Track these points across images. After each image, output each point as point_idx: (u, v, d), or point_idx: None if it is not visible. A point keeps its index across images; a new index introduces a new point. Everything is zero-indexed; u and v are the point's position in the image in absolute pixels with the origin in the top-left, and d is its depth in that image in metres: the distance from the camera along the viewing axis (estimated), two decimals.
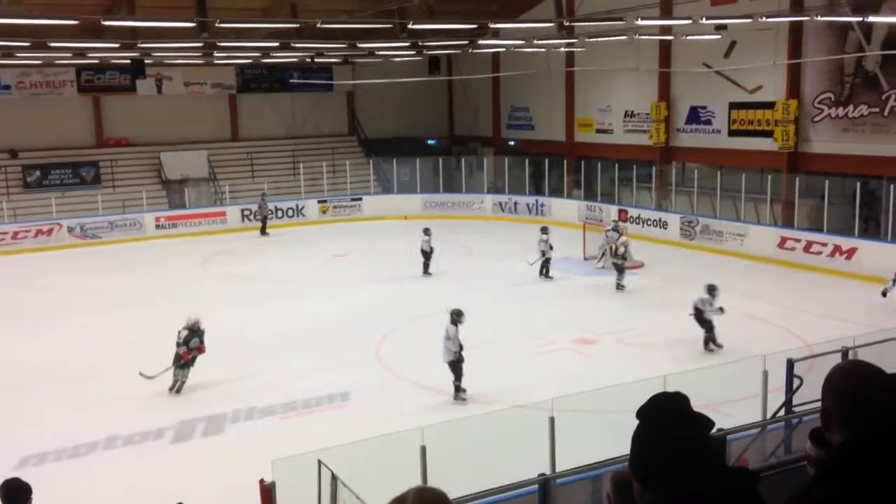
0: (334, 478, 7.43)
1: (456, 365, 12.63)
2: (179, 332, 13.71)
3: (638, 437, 2.01)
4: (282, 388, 13.27)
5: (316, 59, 30.23)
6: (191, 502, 7.07)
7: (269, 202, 30.00)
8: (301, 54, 27.88)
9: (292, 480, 7.58)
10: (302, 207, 30.88)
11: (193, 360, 13.58)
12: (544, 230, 21.00)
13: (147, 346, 15.75)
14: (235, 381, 13.76)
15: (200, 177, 31.60)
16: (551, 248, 20.66)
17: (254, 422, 12.18)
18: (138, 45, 20.83)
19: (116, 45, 21.55)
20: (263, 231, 28.64)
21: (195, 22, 15.70)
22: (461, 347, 12.63)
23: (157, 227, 28.70)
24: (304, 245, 26.42)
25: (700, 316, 14.62)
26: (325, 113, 35.70)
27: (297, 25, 21.86)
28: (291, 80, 34.44)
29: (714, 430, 6.66)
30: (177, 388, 13.32)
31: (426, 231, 21.59)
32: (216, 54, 25.88)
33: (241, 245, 26.87)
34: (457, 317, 12.76)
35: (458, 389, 12.62)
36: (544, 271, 20.65)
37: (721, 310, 14.52)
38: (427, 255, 21.40)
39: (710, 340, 14.56)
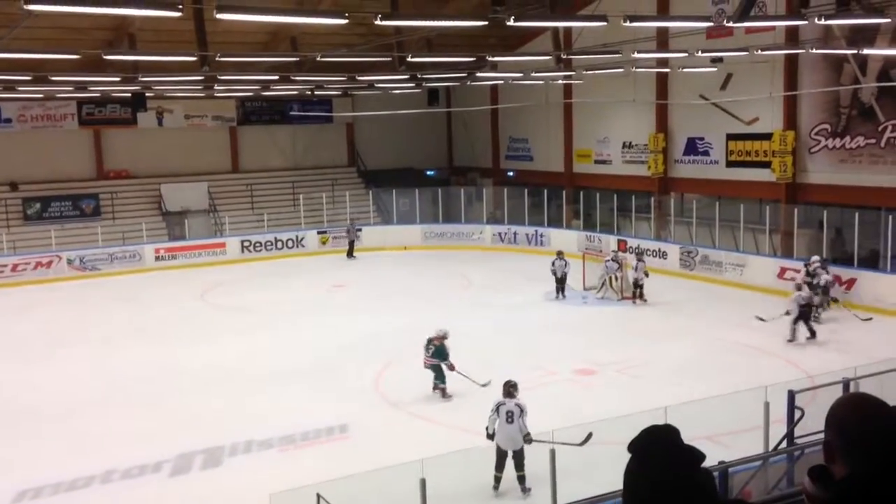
0: None
1: (522, 452, 10.30)
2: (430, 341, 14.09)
3: (629, 471, 2.00)
4: (280, 420, 13.18)
5: (316, 92, 30.52)
6: None
7: (270, 232, 30.15)
8: (301, 87, 28.13)
9: None
10: (302, 238, 30.92)
11: (437, 368, 13.82)
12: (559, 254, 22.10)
13: (147, 379, 15.71)
14: (234, 413, 13.68)
15: (200, 208, 31.68)
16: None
17: (252, 455, 12.09)
18: (139, 79, 21.02)
19: (117, 79, 21.74)
20: (350, 254, 29.69)
21: (196, 56, 15.87)
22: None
23: (157, 258, 28.70)
24: (304, 276, 26.42)
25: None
26: (325, 144, 35.91)
27: (297, 59, 22.07)
28: (291, 113, 34.69)
29: (716, 462, 6.66)
30: (441, 394, 13.84)
31: (559, 254, 22.16)
32: (217, 87, 26.10)
33: (241, 276, 26.87)
34: (513, 390, 10.67)
35: (524, 480, 10.30)
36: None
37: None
38: (560, 279, 21.75)
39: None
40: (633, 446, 2.06)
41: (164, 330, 19.74)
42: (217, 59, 16.97)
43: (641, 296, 21.10)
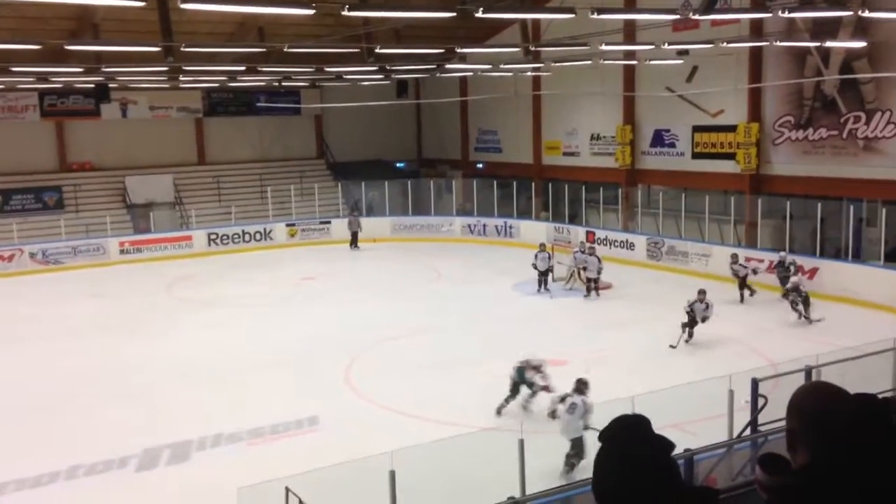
0: None
1: (581, 441, 10.51)
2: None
3: (600, 460, 2.03)
4: (249, 413, 13.11)
5: (283, 83, 30.24)
6: None
7: (237, 225, 29.96)
8: (268, 78, 27.87)
9: None
10: (270, 231, 30.71)
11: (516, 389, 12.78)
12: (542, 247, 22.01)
13: (111, 373, 15.53)
14: (201, 407, 13.57)
15: (166, 201, 31.33)
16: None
17: (220, 448, 12.01)
18: (102, 70, 20.70)
19: (80, 70, 21.38)
20: (354, 244, 29.30)
21: (160, 46, 15.65)
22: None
23: (122, 251, 28.33)
24: (272, 269, 26.25)
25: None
26: (293, 136, 35.66)
27: (265, 50, 21.87)
28: (259, 104, 34.39)
29: (681, 450, 6.75)
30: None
31: (542, 247, 21.95)
32: (182, 78, 25.77)
33: (208, 269, 26.62)
34: (584, 387, 10.95)
35: (572, 466, 10.48)
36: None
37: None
38: (544, 272, 21.56)
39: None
40: (604, 435, 2.09)
41: (129, 324, 19.50)
42: (182, 49, 16.77)
43: (596, 290, 21.02)
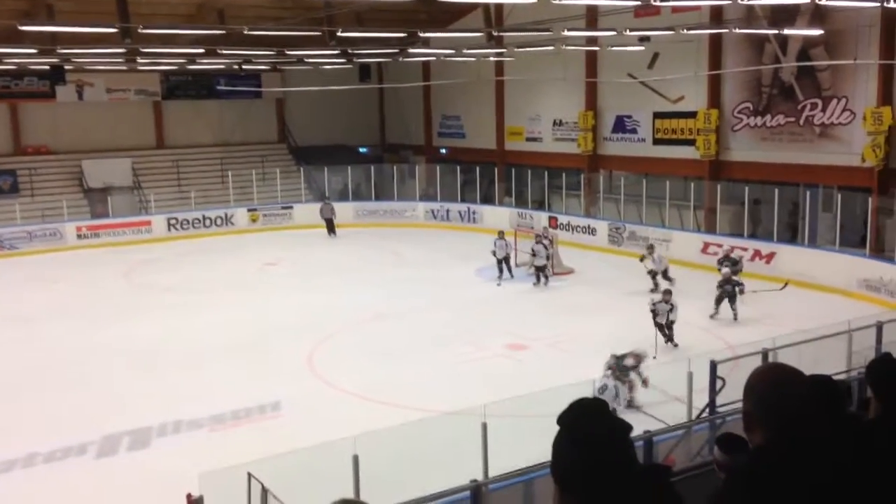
0: (264, 490, 7.32)
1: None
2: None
3: (558, 443, 2.05)
4: (210, 399, 13.00)
5: (244, 66, 29.83)
6: None
7: (198, 210, 29.62)
8: (228, 61, 27.45)
9: (221, 494, 7.44)
10: (231, 216, 30.38)
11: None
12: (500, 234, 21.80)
13: (69, 360, 15.29)
14: (161, 393, 13.44)
15: (124, 185, 30.80)
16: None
17: (181, 435, 11.91)
18: (57, 51, 20.23)
19: (34, 51, 20.87)
20: (331, 231, 28.75)
21: (117, 28, 15.34)
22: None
23: (79, 236, 27.83)
24: (234, 254, 25.99)
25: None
26: (254, 120, 35.24)
27: (224, 32, 21.53)
28: (219, 87, 33.85)
29: (641, 432, 6.83)
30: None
31: (501, 234, 21.66)
32: (140, 60, 25.28)
33: (168, 255, 26.28)
34: (622, 373, 11.31)
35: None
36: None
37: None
38: (503, 259, 21.33)
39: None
40: (563, 419, 2.11)
41: (87, 310, 19.20)
42: (140, 31, 16.42)
43: (545, 277, 20.77)
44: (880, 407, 3.36)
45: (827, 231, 21.21)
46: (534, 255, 20.73)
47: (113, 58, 24.54)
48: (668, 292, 15.43)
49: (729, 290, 16.91)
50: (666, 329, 14.98)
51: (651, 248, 20.24)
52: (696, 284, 20.05)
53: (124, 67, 29.02)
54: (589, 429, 2.05)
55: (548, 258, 20.85)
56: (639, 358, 12.12)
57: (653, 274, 19.30)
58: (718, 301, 16.94)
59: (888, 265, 18.25)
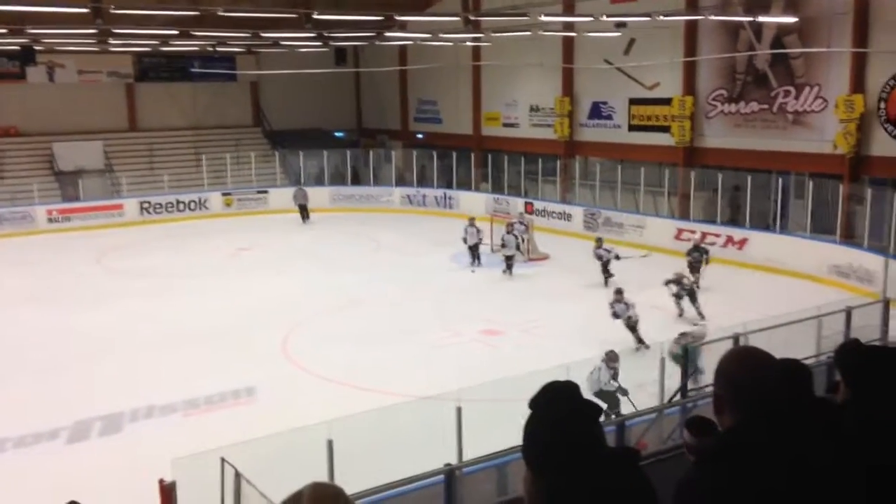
0: (238, 475, 7.29)
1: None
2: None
3: (529, 425, 2.06)
4: (183, 384, 12.93)
5: (218, 49, 29.51)
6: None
7: (171, 194, 29.35)
8: (202, 43, 27.17)
9: (194, 480, 7.40)
10: (205, 200, 30.11)
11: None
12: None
13: (40, 345, 15.12)
14: (134, 378, 13.34)
15: (96, 168, 30.40)
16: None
17: (154, 420, 11.84)
18: (28, 31, 19.87)
19: (4, 31, 20.48)
20: (305, 217, 28.33)
21: (89, 8, 15.10)
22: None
23: (50, 220, 27.47)
24: (208, 239, 25.79)
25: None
26: (229, 103, 34.89)
27: (198, 13, 21.27)
28: (192, 70, 33.50)
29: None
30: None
31: (471, 221, 21.41)
32: (112, 42, 24.94)
33: (140, 239, 26.02)
34: (611, 362, 11.15)
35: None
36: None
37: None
38: (472, 247, 21.18)
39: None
40: (534, 402, 2.12)
41: (59, 295, 18.97)
42: (112, 11, 16.20)
43: (509, 268, 20.33)
44: (848, 391, 3.41)
45: (799, 218, 21.43)
46: (503, 245, 20.45)
47: (84, 38, 24.17)
48: (619, 291, 14.76)
49: (687, 287, 16.32)
50: (631, 331, 14.44)
51: (599, 240, 19.98)
52: (670, 270, 20.19)
53: (96, 48, 28.60)
54: (559, 410, 2.06)
55: (517, 248, 20.63)
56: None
57: (604, 264, 19.04)
58: (678, 298, 16.29)
59: (858, 251, 18.50)
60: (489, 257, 21.76)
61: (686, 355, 11.12)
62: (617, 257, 18.89)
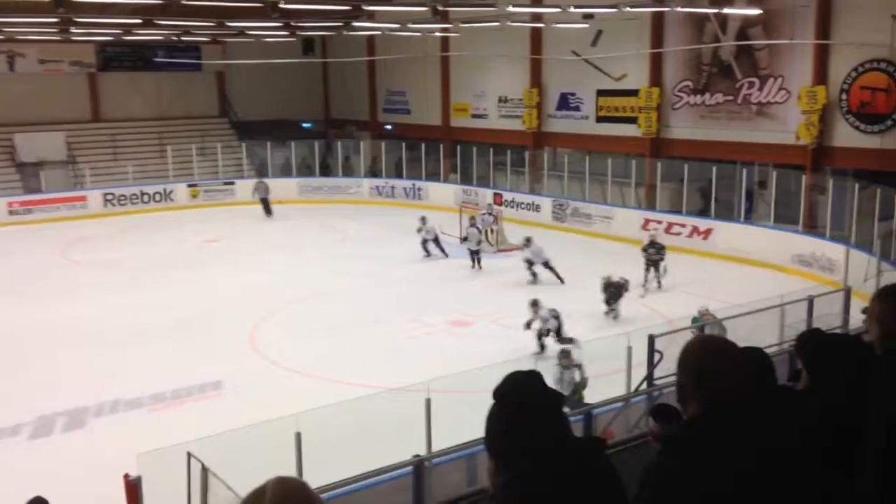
0: (205, 470, 7.23)
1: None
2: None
3: (493, 415, 2.07)
4: (150, 378, 12.78)
5: (183, 38, 29.13)
6: (52, 500, 6.70)
7: (136, 185, 28.99)
8: (166, 32, 26.79)
9: (160, 475, 7.32)
10: (170, 192, 29.75)
11: None
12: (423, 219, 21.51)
13: (1, 339, 14.83)
14: (99, 372, 13.16)
15: (58, 159, 29.87)
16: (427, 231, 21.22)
17: (119, 415, 11.69)
18: None
19: None
20: (267, 212, 27.59)
21: None
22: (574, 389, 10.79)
23: (11, 212, 26.97)
24: (173, 231, 25.48)
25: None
26: (194, 94, 34.46)
27: (162, 2, 20.95)
28: (157, 59, 33.01)
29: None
30: None
31: (423, 220, 21.27)
32: (74, 31, 24.48)
33: (105, 231, 25.64)
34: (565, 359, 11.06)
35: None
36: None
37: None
38: (431, 241, 21.11)
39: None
40: (497, 392, 2.13)
41: (21, 287, 18.65)
42: None
43: (478, 261, 20.07)
44: (809, 379, 3.46)
45: (763, 208, 21.72)
46: (466, 238, 20.27)
47: (46, 27, 23.71)
48: (535, 303, 13.77)
49: (623, 287, 15.63)
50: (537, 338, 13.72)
51: (528, 240, 19.75)
52: (637, 260, 20.38)
53: (58, 38, 28.07)
54: (522, 400, 2.06)
55: (484, 240, 20.47)
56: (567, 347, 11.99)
57: (529, 263, 18.85)
58: (609, 300, 15.61)
59: (820, 241, 18.80)
60: (457, 248, 21.78)
61: (652, 345, 11.06)
62: (545, 264, 18.46)
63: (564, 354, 11.25)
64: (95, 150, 31.11)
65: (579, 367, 11.08)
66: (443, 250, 21.32)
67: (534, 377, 2.15)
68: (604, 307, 15.61)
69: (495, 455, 2.07)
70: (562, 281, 18.18)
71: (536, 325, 13.73)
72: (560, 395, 2.19)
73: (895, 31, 17.84)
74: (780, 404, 2.68)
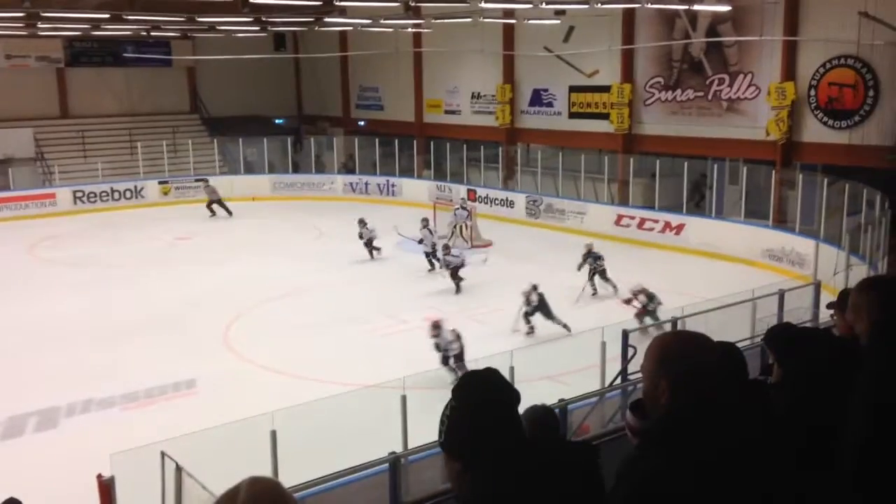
0: (179, 469, 7.18)
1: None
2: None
3: (453, 415, 2.07)
4: (122, 377, 12.66)
5: (152, 33, 28.79)
6: (25, 501, 6.62)
7: (105, 182, 28.68)
8: (135, 27, 26.43)
9: (133, 474, 7.26)
10: (141, 189, 29.42)
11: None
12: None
13: None
14: (70, 372, 12.99)
15: (26, 156, 29.42)
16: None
17: (91, 414, 11.57)
18: None
19: None
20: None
21: None
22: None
23: None
24: (144, 228, 25.21)
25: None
26: (164, 89, 34.07)
27: None
28: (126, 55, 32.59)
29: (556, 400, 6.91)
30: None
31: (362, 222, 20.78)
32: (40, 25, 24.08)
33: (74, 229, 25.31)
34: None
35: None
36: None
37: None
38: (367, 242, 20.70)
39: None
40: (456, 390, 2.14)
41: None
42: None
43: (436, 262, 19.14)
44: (780, 372, 3.51)
45: (733, 203, 21.96)
46: (420, 241, 19.60)
47: (11, 22, 23.30)
48: (436, 325, 12.75)
49: (535, 302, 14.72)
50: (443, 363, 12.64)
51: (362, 221, 20.46)
52: (611, 255, 20.50)
53: (24, 32, 27.60)
54: (478, 395, 2.08)
55: (433, 246, 19.55)
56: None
57: (368, 242, 20.08)
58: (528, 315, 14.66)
59: (790, 235, 19.06)
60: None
61: (626, 339, 11.09)
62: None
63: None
64: (64, 147, 30.68)
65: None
66: (375, 251, 20.80)
67: (490, 375, 2.16)
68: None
69: (453, 453, 2.07)
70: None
71: (366, 234, 15.00)
72: (516, 392, 2.19)
73: (862, 28, 18.10)
74: (753, 398, 2.72)
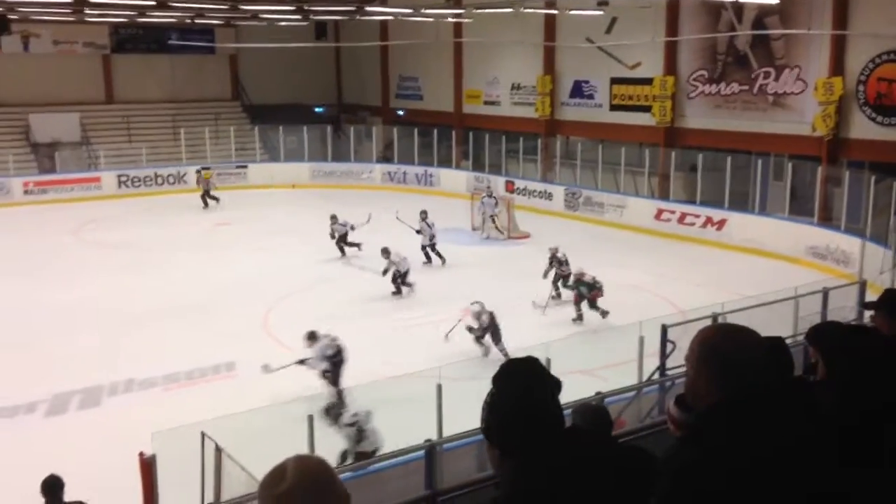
0: (218, 450, 7.30)
1: None
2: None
3: (490, 401, 2.08)
4: (163, 359, 12.89)
5: (196, 20, 29.13)
6: (67, 478, 6.79)
7: (149, 167, 29.09)
8: (180, 14, 26.79)
9: (174, 453, 7.40)
10: (183, 174, 29.83)
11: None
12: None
13: (17, 317, 14.98)
14: (113, 352, 13.27)
15: (72, 140, 30.00)
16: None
17: (133, 394, 11.80)
18: (1, 1, 19.47)
19: None
20: (214, 199, 26.48)
21: None
22: None
23: (26, 192, 27.14)
24: (186, 213, 25.57)
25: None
26: (207, 77, 34.48)
27: None
28: (170, 42, 33.01)
29: (593, 393, 6.89)
30: None
31: (333, 218, 20.12)
32: (87, 12, 24.54)
33: (118, 212, 25.76)
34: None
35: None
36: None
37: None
38: (340, 238, 20.07)
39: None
40: (495, 378, 2.14)
41: (36, 267, 18.79)
42: None
43: (433, 257, 19.14)
44: (825, 371, 3.46)
45: (777, 199, 21.60)
46: (418, 232, 19.32)
47: (60, 8, 23.78)
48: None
49: (584, 293, 14.97)
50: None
51: (334, 217, 19.91)
52: (650, 250, 20.37)
53: (72, 18, 28.15)
54: (519, 384, 2.08)
55: (431, 238, 19.31)
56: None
57: (341, 239, 19.66)
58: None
59: (835, 233, 18.70)
60: (472, 236, 21.78)
61: (665, 334, 11.13)
62: (353, 228, 19.54)
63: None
64: (109, 132, 31.22)
65: None
66: (343, 250, 20.13)
67: (531, 362, 2.16)
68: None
69: (496, 443, 2.08)
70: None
71: (391, 269, 16.10)
72: (557, 380, 2.18)
73: None
74: (799, 395, 2.69)
